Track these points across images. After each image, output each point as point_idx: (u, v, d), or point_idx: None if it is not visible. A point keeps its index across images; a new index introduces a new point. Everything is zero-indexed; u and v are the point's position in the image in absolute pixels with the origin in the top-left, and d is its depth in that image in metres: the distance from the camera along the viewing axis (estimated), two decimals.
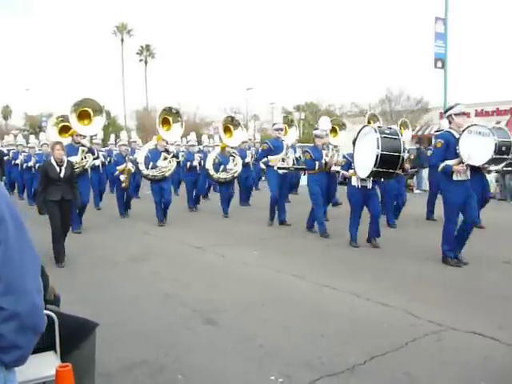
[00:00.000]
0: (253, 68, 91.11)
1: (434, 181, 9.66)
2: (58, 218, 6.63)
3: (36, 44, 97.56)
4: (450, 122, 6.41)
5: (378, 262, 6.69)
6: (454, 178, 6.14)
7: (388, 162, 6.80)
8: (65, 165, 6.83)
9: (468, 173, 6.16)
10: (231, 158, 11.18)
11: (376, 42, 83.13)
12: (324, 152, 8.70)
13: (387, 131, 6.93)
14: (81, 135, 9.22)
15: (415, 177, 15.49)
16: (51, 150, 7.09)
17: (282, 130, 10.05)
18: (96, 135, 12.20)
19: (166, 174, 9.82)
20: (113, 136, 17.51)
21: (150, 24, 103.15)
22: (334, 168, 8.55)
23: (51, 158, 6.89)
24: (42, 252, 5.52)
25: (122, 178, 10.68)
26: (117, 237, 8.49)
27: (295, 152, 10.51)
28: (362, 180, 7.31)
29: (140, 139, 19.68)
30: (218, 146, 13.22)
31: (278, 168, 9.38)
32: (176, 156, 10.27)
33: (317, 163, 8.50)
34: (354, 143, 7.47)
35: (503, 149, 6.06)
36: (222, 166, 10.92)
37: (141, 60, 57.38)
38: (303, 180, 13.06)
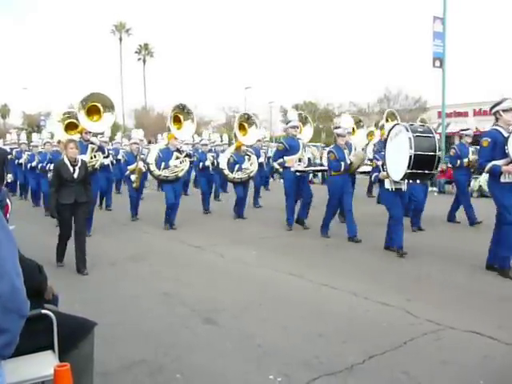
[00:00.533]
0: (251, 67, 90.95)
1: (460, 180, 9.52)
2: (69, 223, 6.21)
3: (34, 43, 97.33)
4: (497, 119, 5.92)
5: (377, 262, 6.69)
6: (502, 179, 5.66)
7: (423, 163, 6.31)
8: (79, 164, 6.27)
9: None
10: (246, 156, 10.66)
11: (374, 41, 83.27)
12: (346, 152, 8.25)
13: (420, 129, 6.48)
14: (90, 132, 8.75)
15: None
16: (64, 148, 6.52)
17: (298, 128, 9.46)
18: (103, 133, 11.58)
19: (179, 175, 9.35)
20: (119, 134, 17.17)
21: (149, 23, 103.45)
22: (361, 168, 8.14)
23: (64, 158, 6.34)
24: (41, 252, 5.52)
25: (133, 177, 10.34)
26: (116, 236, 8.48)
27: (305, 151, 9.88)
28: (396, 182, 6.84)
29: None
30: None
31: (297, 171, 8.91)
32: (189, 156, 9.83)
33: (342, 164, 8.02)
34: (384, 143, 7.04)
35: None
36: (237, 166, 10.46)
37: (139, 59, 57.47)
38: None
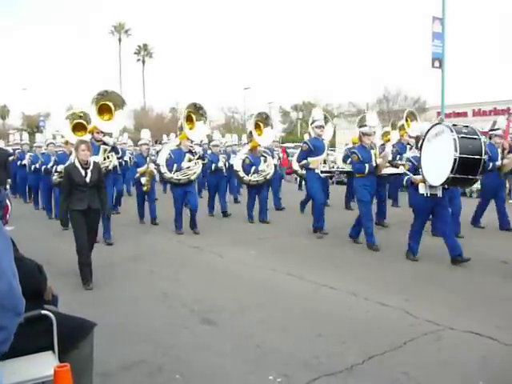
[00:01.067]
0: (250, 67, 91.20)
1: (489, 184, 8.69)
2: (84, 230, 5.69)
3: (33, 44, 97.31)
4: None
5: (377, 262, 6.69)
6: None
7: (467, 167, 5.84)
8: (91, 167, 5.79)
9: None
10: (262, 158, 10.03)
11: (373, 41, 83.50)
12: (372, 152, 7.65)
13: (464, 130, 5.98)
14: (102, 132, 8.18)
15: None
16: (75, 150, 5.99)
17: (323, 128, 8.84)
18: (111, 134, 11.20)
19: (192, 178, 8.77)
20: (125, 134, 16.71)
21: (148, 24, 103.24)
22: (386, 170, 7.59)
23: (75, 160, 5.84)
24: (41, 254, 5.52)
25: (143, 180, 9.75)
26: (116, 237, 8.46)
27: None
28: (432, 187, 6.30)
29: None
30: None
31: (322, 172, 8.47)
32: (202, 157, 9.20)
33: (367, 166, 7.41)
34: (420, 144, 6.42)
35: None
36: (253, 168, 9.83)
37: (138, 60, 57.44)
38: None
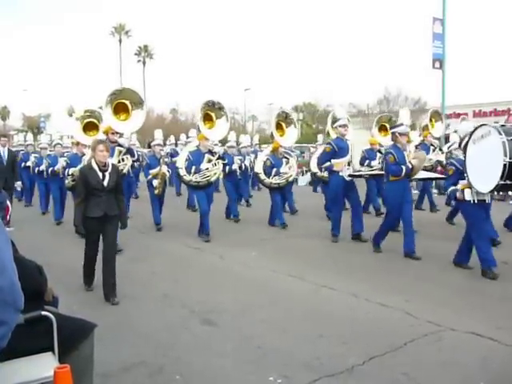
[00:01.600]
0: (251, 69, 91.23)
1: None
2: (96, 241, 5.30)
3: (33, 44, 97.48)
4: None
5: (377, 263, 6.68)
6: None
7: None
8: (109, 170, 5.26)
9: None
10: (284, 159, 9.59)
11: (374, 42, 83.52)
12: (405, 153, 7.10)
13: None
14: (117, 133, 7.67)
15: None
16: (92, 150, 5.39)
17: (347, 127, 8.20)
18: (123, 134, 9.90)
19: (212, 180, 8.37)
20: (134, 136, 16.53)
21: (148, 25, 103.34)
22: (418, 175, 7.05)
23: (92, 162, 5.30)
24: (40, 254, 5.51)
25: (155, 183, 9.32)
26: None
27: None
28: (479, 193, 5.76)
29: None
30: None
31: (350, 175, 8.00)
32: (222, 158, 8.74)
33: (403, 168, 6.87)
34: (464, 147, 5.86)
35: None
36: (274, 170, 9.41)
37: (139, 61, 57.39)
38: None
